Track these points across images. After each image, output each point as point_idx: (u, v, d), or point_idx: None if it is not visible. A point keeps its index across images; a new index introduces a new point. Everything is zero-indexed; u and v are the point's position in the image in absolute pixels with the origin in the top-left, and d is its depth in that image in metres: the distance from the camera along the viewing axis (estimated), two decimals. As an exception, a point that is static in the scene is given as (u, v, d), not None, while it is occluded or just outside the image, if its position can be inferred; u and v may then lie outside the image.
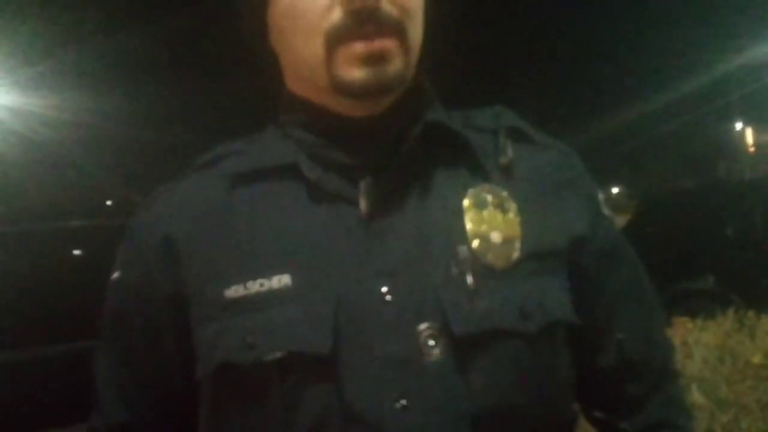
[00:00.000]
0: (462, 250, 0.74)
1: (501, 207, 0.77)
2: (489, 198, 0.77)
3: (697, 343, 2.74)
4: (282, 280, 0.73)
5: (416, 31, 0.76)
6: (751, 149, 26.82)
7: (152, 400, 0.84)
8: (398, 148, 0.76)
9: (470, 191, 0.77)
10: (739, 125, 27.00)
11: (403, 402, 0.69)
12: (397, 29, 0.72)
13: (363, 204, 0.74)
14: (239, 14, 0.83)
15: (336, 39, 0.72)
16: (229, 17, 0.87)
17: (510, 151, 0.80)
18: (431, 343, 0.70)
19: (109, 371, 0.85)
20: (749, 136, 26.84)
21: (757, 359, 2.52)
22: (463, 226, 0.75)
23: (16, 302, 3.61)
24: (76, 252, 4.22)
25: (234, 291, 0.73)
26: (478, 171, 0.79)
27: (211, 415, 0.76)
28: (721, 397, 2.29)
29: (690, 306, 5.10)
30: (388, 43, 0.72)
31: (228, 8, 0.85)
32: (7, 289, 3.62)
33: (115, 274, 0.84)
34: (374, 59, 0.72)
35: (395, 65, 0.73)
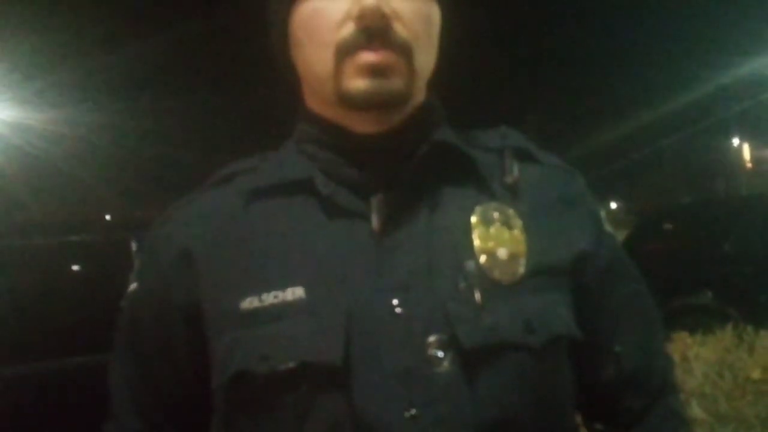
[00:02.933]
0: (470, 265, 0.76)
1: (507, 224, 0.79)
2: (496, 215, 0.79)
3: (696, 359, 2.75)
4: (296, 293, 0.75)
5: (425, 56, 0.79)
6: (749, 165, 26.89)
7: (165, 408, 0.86)
8: (408, 165, 0.79)
9: (477, 209, 0.79)
10: (736, 141, 27.11)
11: (413, 412, 0.71)
12: (404, 49, 0.75)
13: (375, 220, 0.77)
14: (268, 26, 0.86)
15: (345, 51, 0.75)
16: (256, 31, 0.89)
17: (515, 171, 0.83)
18: (440, 354, 0.72)
19: (124, 380, 0.87)
20: (746, 151, 26.94)
21: (756, 374, 2.52)
22: (471, 242, 0.77)
23: (14, 317, 3.60)
24: (75, 267, 4.22)
25: (249, 302, 0.75)
26: (484, 189, 0.81)
27: (224, 424, 0.77)
28: (720, 412, 2.30)
29: (689, 321, 5.09)
30: (393, 59, 0.74)
31: (258, 20, 0.88)
32: (6, 303, 3.61)
33: (132, 286, 0.87)
34: (378, 71, 0.74)
35: (397, 82, 0.75)
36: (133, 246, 3.67)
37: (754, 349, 2.88)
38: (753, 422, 2.22)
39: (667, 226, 7.22)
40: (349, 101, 0.76)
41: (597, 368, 0.85)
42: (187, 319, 0.80)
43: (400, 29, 0.75)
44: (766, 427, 2.20)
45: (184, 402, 0.85)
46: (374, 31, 0.73)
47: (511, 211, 0.80)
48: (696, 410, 2.24)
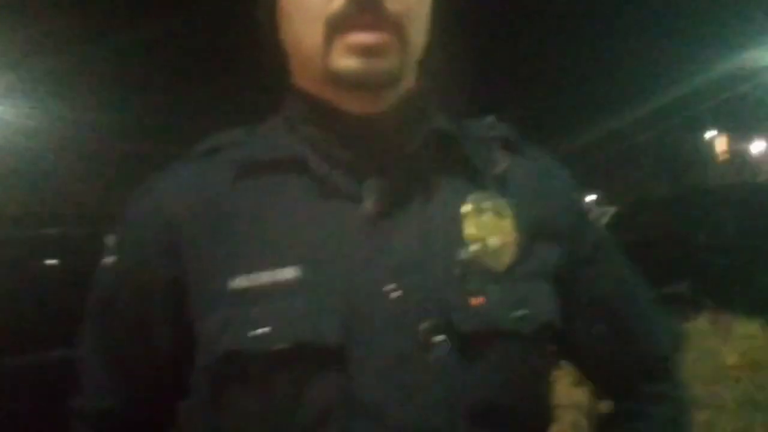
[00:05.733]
0: (463, 252, 0.76)
1: (498, 214, 0.80)
2: (487, 205, 0.80)
3: (673, 346, 2.77)
4: (289, 273, 0.74)
5: (417, 32, 0.77)
6: (724, 157, 27.25)
7: (139, 387, 0.84)
8: (401, 150, 0.78)
9: (470, 197, 0.79)
10: (712, 134, 27.44)
11: (406, 395, 0.71)
12: (395, 25, 0.73)
13: (369, 203, 0.76)
14: (254, 3, 0.84)
15: (335, 27, 0.73)
16: (242, 8, 0.88)
17: (504, 161, 0.83)
18: (434, 340, 0.72)
19: (95, 355, 0.85)
20: (722, 144, 27.28)
21: (732, 360, 2.55)
22: (463, 230, 0.78)
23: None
24: (50, 261, 4.16)
25: (239, 282, 0.74)
26: (475, 178, 0.81)
27: (209, 405, 0.76)
28: (697, 397, 2.32)
29: (666, 310, 5.16)
30: (385, 37, 0.73)
31: (241, 6, 0.86)
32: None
33: (109, 259, 0.83)
34: (369, 51, 0.73)
35: (389, 60, 0.74)
36: (109, 240, 3.63)
37: (730, 336, 2.92)
38: (729, 406, 2.25)
39: (644, 217, 7.29)
40: (338, 80, 0.74)
41: (579, 350, 0.87)
42: (168, 296, 0.78)
43: (391, 3, 0.73)
44: (741, 411, 2.23)
45: (159, 381, 0.82)
46: (364, 2, 0.71)
47: (501, 201, 0.80)
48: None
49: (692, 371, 2.54)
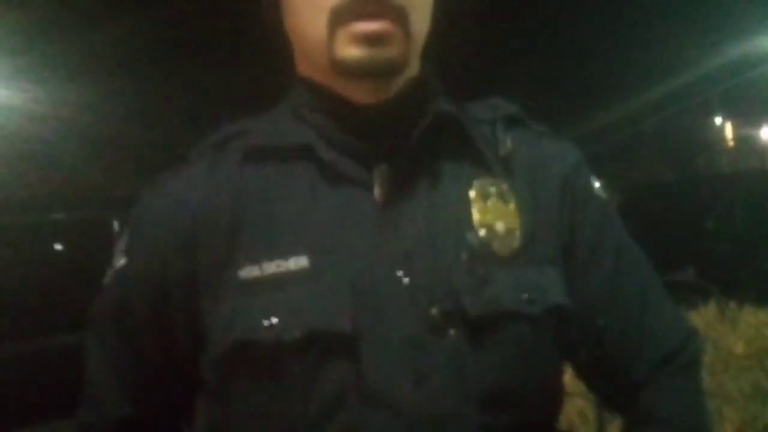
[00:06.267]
0: (471, 237, 0.77)
1: (503, 198, 0.80)
2: (492, 190, 0.80)
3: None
4: (299, 262, 0.74)
5: (420, 21, 0.78)
6: (731, 143, 27.10)
7: (155, 390, 0.83)
8: (407, 136, 0.78)
9: (476, 182, 0.80)
10: (718, 120, 27.26)
11: (417, 380, 0.71)
12: (398, 14, 0.74)
13: (378, 190, 0.76)
14: None
15: (339, 18, 0.73)
16: (242, 8, 0.87)
17: (509, 142, 0.83)
18: (445, 324, 0.73)
19: (108, 362, 0.83)
20: (728, 130, 27.12)
21: (739, 349, 2.55)
22: (470, 215, 0.78)
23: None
24: (58, 246, 4.17)
25: (248, 272, 0.74)
26: (481, 163, 0.81)
27: (219, 396, 0.76)
28: (704, 387, 2.31)
29: (672, 298, 5.15)
30: (388, 26, 0.73)
31: None
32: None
33: (121, 262, 0.82)
34: (373, 40, 0.73)
35: (393, 49, 0.74)
36: (115, 225, 3.63)
37: (737, 325, 2.91)
38: (736, 396, 2.25)
39: (650, 203, 7.27)
40: (343, 69, 0.75)
41: (582, 340, 0.85)
42: (183, 292, 0.78)
43: None
44: (748, 402, 2.22)
45: (174, 382, 0.82)
46: None
47: (505, 186, 0.81)
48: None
49: (699, 360, 2.52)
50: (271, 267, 0.74)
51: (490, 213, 0.79)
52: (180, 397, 0.82)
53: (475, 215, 0.78)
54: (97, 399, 0.84)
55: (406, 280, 0.74)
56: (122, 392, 0.83)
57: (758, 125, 26.98)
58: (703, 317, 3.09)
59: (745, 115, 26.21)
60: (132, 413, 0.83)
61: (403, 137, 0.78)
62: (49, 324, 3.49)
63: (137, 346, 0.82)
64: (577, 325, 0.83)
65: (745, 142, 26.91)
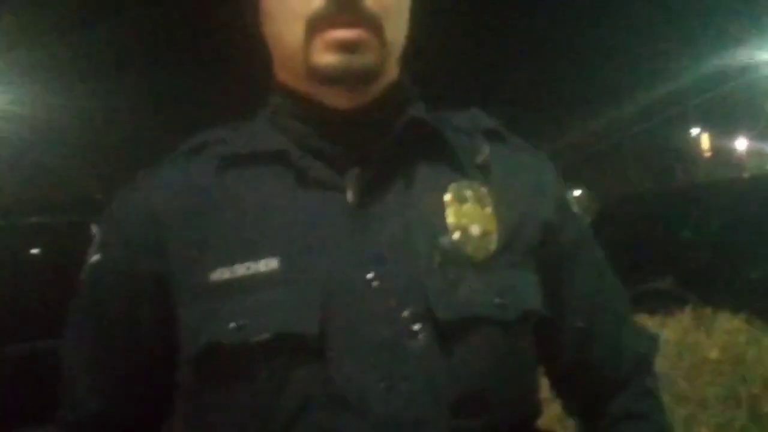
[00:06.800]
0: (444, 240, 0.77)
1: (479, 202, 0.80)
2: (468, 193, 0.80)
3: (656, 340, 2.79)
4: (269, 264, 0.74)
5: (395, 28, 0.79)
6: (707, 154, 27.45)
7: (131, 386, 0.83)
8: (383, 141, 0.79)
9: (451, 186, 0.80)
10: (695, 131, 27.62)
11: (387, 385, 0.71)
12: (374, 23, 0.75)
13: (350, 193, 0.76)
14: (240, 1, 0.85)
15: (315, 26, 0.74)
16: (226, 7, 0.88)
17: (486, 151, 0.84)
18: (415, 328, 0.73)
19: (84, 359, 0.84)
20: (705, 141, 27.47)
21: (714, 354, 2.58)
22: (444, 218, 0.78)
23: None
24: (34, 251, 4.13)
25: (219, 274, 0.74)
26: (457, 167, 0.82)
27: (193, 398, 0.76)
28: (680, 392, 2.34)
29: (650, 305, 5.20)
30: (363, 34, 0.74)
31: None
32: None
33: (94, 258, 0.83)
34: (348, 47, 0.74)
35: (369, 56, 0.75)
36: (93, 229, 3.60)
37: (712, 331, 2.95)
38: (711, 402, 2.27)
39: (629, 213, 7.33)
40: (319, 75, 0.76)
41: (562, 346, 0.87)
42: (153, 289, 0.78)
43: (370, 2, 0.74)
44: (723, 407, 2.25)
45: (149, 378, 0.82)
46: (344, 2, 0.73)
47: (482, 190, 0.81)
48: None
49: (674, 366, 2.56)
50: (242, 269, 0.74)
51: (465, 216, 0.78)
52: (157, 395, 0.82)
53: (450, 218, 0.78)
54: (73, 395, 0.84)
55: (376, 282, 0.73)
56: (96, 388, 0.83)
57: (734, 136, 27.35)
58: (679, 323, 3.13)
59: (721, 126, 26.56)
60: (107, 409, 0.83)
61: (378, 142, 0.79)
62: (23, 328, 3.45)
63: (110, 343, 0.82)
64: (556, 329, 0.84)
65: (721, 153, 27.25)
